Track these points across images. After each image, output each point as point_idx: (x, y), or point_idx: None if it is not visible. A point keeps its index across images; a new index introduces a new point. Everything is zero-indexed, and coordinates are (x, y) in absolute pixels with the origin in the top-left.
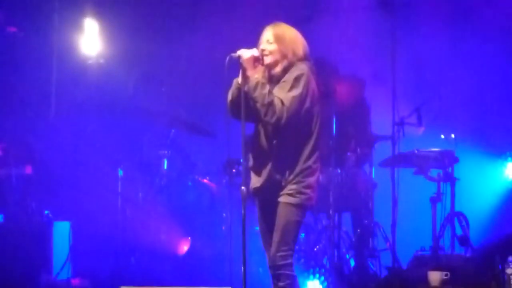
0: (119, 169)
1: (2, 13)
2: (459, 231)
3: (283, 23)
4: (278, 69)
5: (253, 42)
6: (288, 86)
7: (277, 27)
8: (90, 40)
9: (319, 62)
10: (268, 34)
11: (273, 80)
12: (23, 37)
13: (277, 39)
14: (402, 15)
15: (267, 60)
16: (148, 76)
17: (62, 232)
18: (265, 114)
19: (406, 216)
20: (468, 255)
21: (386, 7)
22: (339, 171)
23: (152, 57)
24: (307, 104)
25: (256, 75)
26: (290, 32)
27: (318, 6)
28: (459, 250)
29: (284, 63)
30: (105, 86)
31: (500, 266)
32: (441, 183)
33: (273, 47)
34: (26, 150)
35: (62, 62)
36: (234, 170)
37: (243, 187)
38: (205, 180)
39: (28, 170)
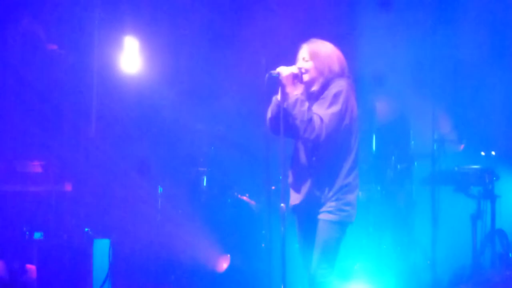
0: (159, 186)
1: (43, 31)
2: (499, 249)
3: (318, 39)
4: (315, 86)
5: (291, 59)
6: (327, 103)
7: (311, 44)
8: (130, 57)
9: (359, 78)
10: (303, 52)
11: (312, 97)
12: (63, 55)
13: (312, 56)
14: (442, 32)
15: (304, 78)
16: (188, 93)
17: (102, 250)
18: (305, 131)
19: (447, 234)
20: (508, 273)
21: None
22: (379, 188)
23: (192, 75)
24: (346, 120)
25: (295, 92)
26: (325, 49)
27: (360, 22)
28: (499, 268)
29: (321, 80)
30: (145, 103)
31: None
32: (482, 200)
33: (309, 64)
34: (66, 167)
35: (102, 79)
36: (273, 187)
37: (282, 204)
38: (244, 197)
39: (68, 187)
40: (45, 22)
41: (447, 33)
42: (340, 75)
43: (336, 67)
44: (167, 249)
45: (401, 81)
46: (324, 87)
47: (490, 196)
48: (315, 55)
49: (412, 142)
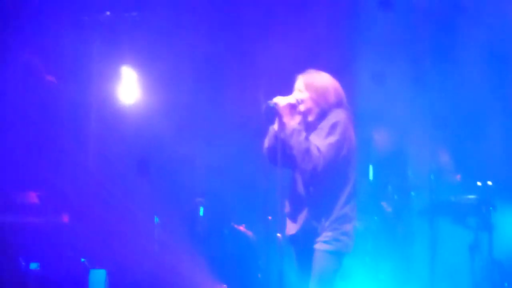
0: (155, 217)
1: (42, 63)
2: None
3: (314, 70)
4: (311, 117)
5: (288, 90)
6: (324, 133)
7: (307, 75)
8: (129, 89)
9: (356, 108)
10: (299, 83)
11: (310, 127)
12: (62, 87)
13: (307, 88)
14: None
15: (301, 108)
16: (186, 124)
17: (98, 280)
18: (302, 161)
19: (445, 265)
20: None
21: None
22: (376, 218)
23: (190, 107)
24: (344, 151)
25: (292, 122)
26: (320, 79)
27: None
28: None
29: (317, 110)
30: (144, 135)
31: None
32: (479, 231)
33: (304, 95)
34: (63, 198)
35: (100, 111)
36: (270, 218)
37: (279, 234)
38: (241, 227)
39: (65, 218)
40: (44, 54)
41: (445, 64)
42: (337, 105)
43: (331, 98)
44: (163, 280)
45: (399, 113)
46: (321, 117)
47: (487, 226)
48: (310, 86)
49: (410, 172)
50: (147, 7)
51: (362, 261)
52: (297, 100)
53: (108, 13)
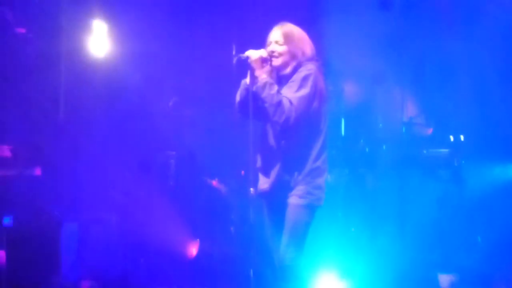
0: (127, 170)
1: (12, 14)
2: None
3: (290, 23)
4: (288, 70)
5: (260, 43)
6: (296, 86)
7: (285, 27)
8: (99, 40)
9: (327, 61)
10: (276, 35)
11: (282, 80)
12: (31, 38)
13: (286, 40)
14: (412, 17)
15: (277, 61)
16: (157, 76)
17: (71, 234)
18: (274, 114)
19: (414, 217)
20: None
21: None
22: (347, 171)
23: (161, 58)
24: (316, 104)
25: (264, 75)
26: (298, 32)
27: (324, 7)
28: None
29: (294, 63)
30: (114, 87)
31: None
32: (450, 184)
33: (282, 48)
34: (35, 151)
35: (70, 62)
36: (242, 172)
37: (251, 188)
38: (213, 182)
39: (38, 171)
40: (13, 5)
41: (417, 19)
42: (311, 58)
43: (308, 51)
44: (136, 233)
45: (370, 65)
46: (295, 70)
47: (458, 179)
48: (290, 38)
49: (381, 125)
50: None
51: (334, 214)
52: (271, 52)
53: None
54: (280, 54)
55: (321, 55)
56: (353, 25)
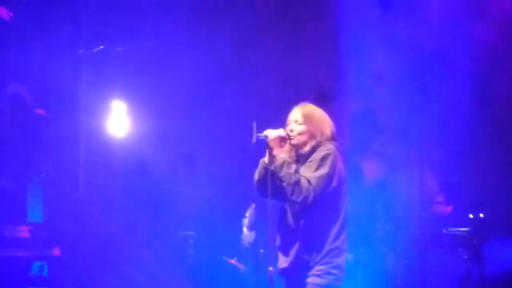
0: (146, 250)
1: (31, 96)
2: None
3: (310, 103)
4: (306, 149)
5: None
6: (315, 166)
7: (305, 107)
8: (118, 121)
9: (346, 140)
10: (296, 114)
11: (301, 160)
12: (51, 119)
13: (306, 120)
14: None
15: (295, 140)
16: (176, 157)
17: None
18: (292, 193)
19: None
20: None
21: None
22: (367, 250)
23: (179, 138)
24: (334, 183)
25: (282, 154)
26: (318, 113)
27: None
28: None
29: (313, 143)
30: (133, 167)
31: None
32: (470, 262)
33: (302, 128)
34: (54, 231)
35: (89, 143)
36: (261, 251)
37: (270, 268)
38: (232, 261)
39: (57, 252)
40: (32, 86)
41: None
42: (331, 138)
43: (327, 131)
44: None
45: (388, 143)
46: (314, 150)
47: (478, 258)
48: (309, 118)
49: (400, 204)
50: (137, 41)
51: None
52: (292, 132)
53: (101, 46)
54: (299, 134)
55: (340, 135)
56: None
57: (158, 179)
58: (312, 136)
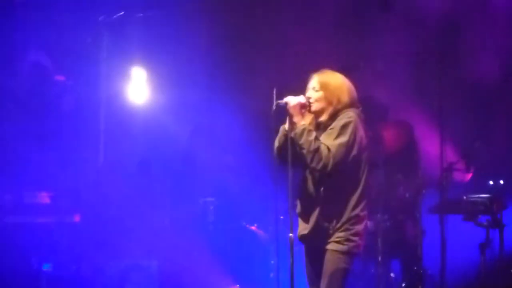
0: (167, 216)
1: (51, 63)
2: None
3: (329, 70)
4: (324, 116)
5: (300, 88)
6: (336, 134)
7: (322, 74)
8: (138, 88)
9: (367, 107)
10: (313, 82)
11: (321, 127)
12: (71, 86)
13: (322, 86)
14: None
15: (313, 107)
16: (196, 123)
17: (112, 280)
18: (311, 161)
19: (455, 263)
20: None
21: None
22: (386, 217)
23: (199, 105)
24: (355, 151)
25: (302, 121)
26: (335, 79)
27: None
28: None
29: (330, 110)
30: (153, 134)
31: None
32: (490, 229)
33: (318, 94)
34: (74, 198)
35: (110, 110)
36: (282, 217)
37: (290, 234)
38: (253, 227)
39: (77, 218)
40: (52, 53)
41: (456, 60)
42: (350, 105)
43: (345, 98)
44: (176, 279)
45: (410, 111)
46: (333, 117)
47: (498, 225)
48: (325, 85)
49: (420, 171)
50: (157, 7)
51: (374, 260)
52: (308, 99)
53: (122, 13)
54: (316, 100)
55: (361, 101)
56: (392, 70)
57: (178, 147)
58: (329, 103)
